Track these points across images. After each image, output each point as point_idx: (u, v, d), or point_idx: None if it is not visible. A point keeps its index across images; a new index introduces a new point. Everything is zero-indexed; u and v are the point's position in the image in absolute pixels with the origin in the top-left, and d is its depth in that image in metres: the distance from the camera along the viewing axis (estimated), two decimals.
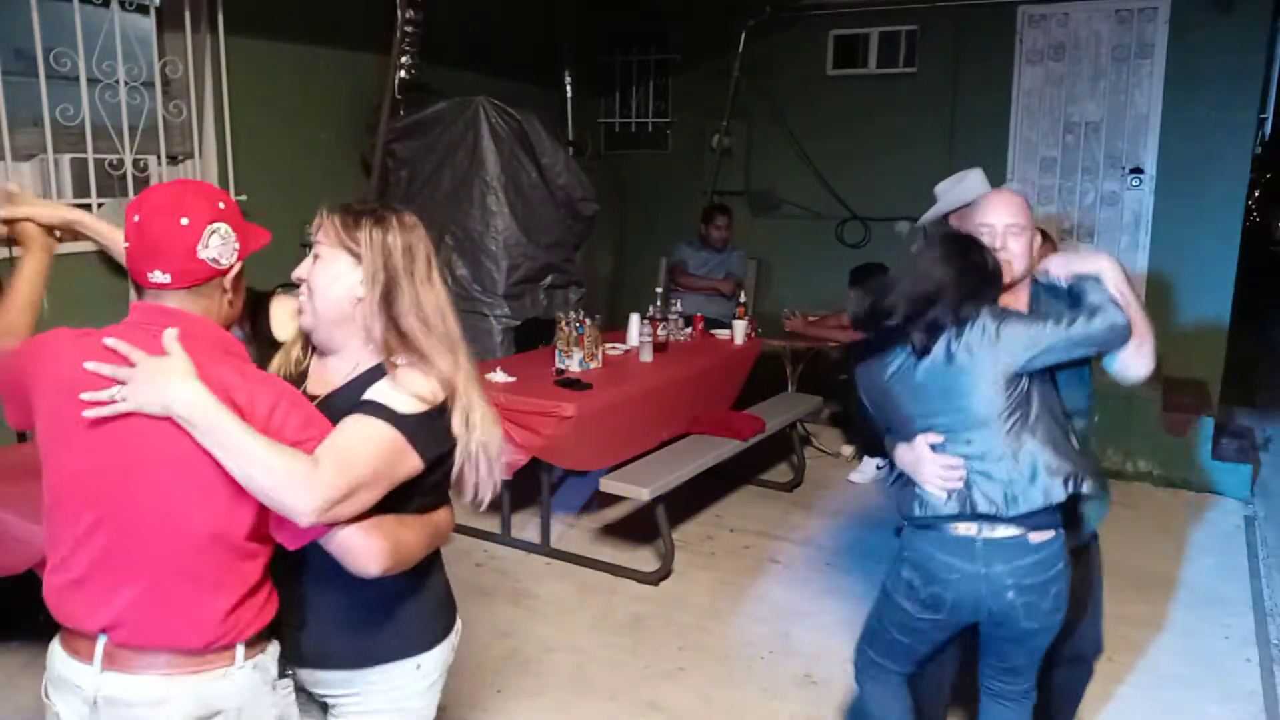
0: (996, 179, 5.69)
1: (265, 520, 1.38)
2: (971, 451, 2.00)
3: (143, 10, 3.77)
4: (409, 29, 4.39)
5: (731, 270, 5.77)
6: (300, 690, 1.59)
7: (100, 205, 3.59)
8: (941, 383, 2.01)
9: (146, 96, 3.79)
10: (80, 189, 3.56)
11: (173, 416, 1.31)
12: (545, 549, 4.04)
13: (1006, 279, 2.09)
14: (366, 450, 1.37)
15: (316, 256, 1.54)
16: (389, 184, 4.68)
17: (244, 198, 4.17)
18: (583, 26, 6.32)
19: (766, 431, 4.52)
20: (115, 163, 3.67)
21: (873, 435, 5.25)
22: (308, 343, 1.64)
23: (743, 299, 5.27)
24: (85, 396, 1.33)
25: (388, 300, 1.49)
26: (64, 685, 1.43)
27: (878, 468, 5.12)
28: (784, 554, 4.16)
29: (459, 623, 1.72)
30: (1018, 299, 2.18)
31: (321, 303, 1.53)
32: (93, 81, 3.60)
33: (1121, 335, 1.98)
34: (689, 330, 5.11)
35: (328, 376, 1.57)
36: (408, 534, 1.46)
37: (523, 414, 3.64)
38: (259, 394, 1.37)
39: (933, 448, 2.04)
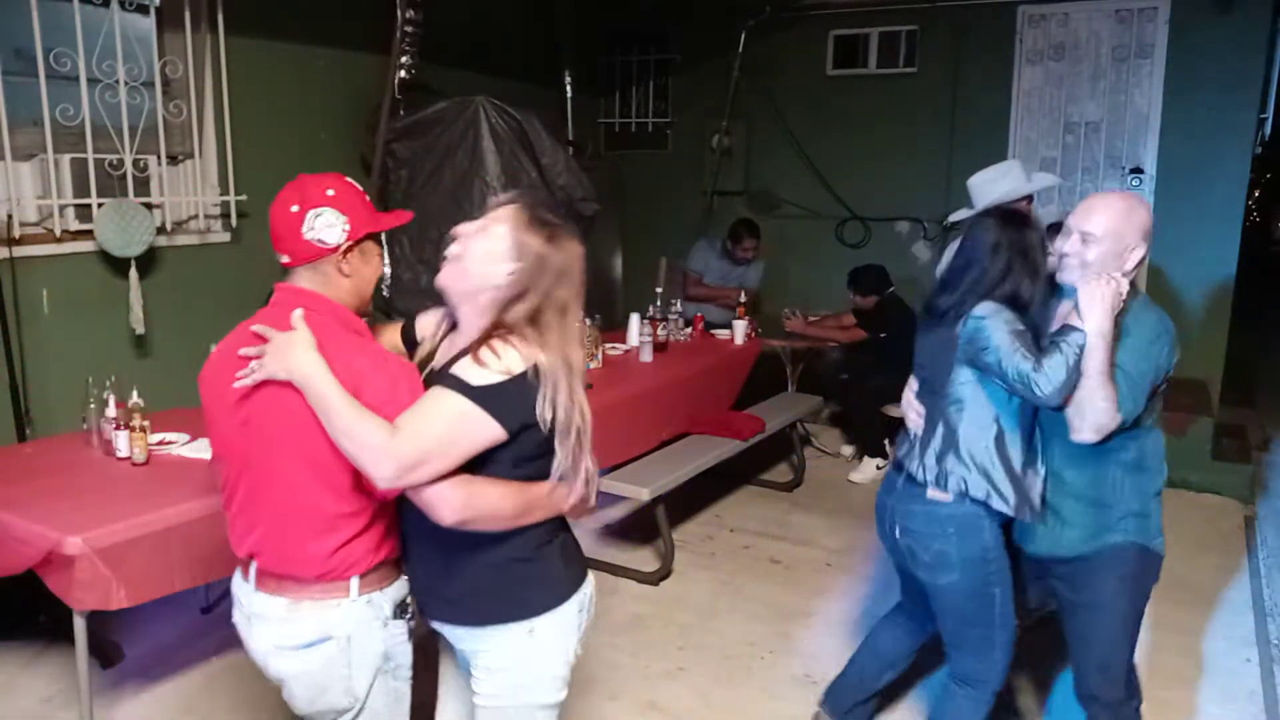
0: None
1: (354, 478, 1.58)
2: (930, 411, 2.25)
3: (143, 10, 3.76)
4: (409, 29, 4.38)
5: (747, 282, 5.74)
6: (444, 641, 1.78)
7: (100, 205, 3.59)
8: (933, 337, 2.23)
9: (146, 96, 3.79)
10: (80, 189, 3.56)
11: (292, 382, 1.52)
12: None
13: (1072, 280, 2.13)
14: (438, 421, 1.51)
15: (487, 225, 1.64)
16: (389, 184, 4.68)
17: (244, 197, 4.17)
18: (583, 26, 6.32)
19: (766, 431, 4.53)
20: (115, 163, 3.66)
21: (873, 435, 5.29)
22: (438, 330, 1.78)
23: (743, 299, 5.27)
24: (245, 351, 1.59)
25: (511, 304, 1.59)
26: (235, 600, 1.74)
27: (878, 468, 5.12)
28: (784, 554, 4.16)
29: (584, 593, 1.76)
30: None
31: (471, 262, 1.61)
32: (93, 81, 3.60)
33: (1039, 399, 1.98)
34: (689, 330, 5.11)
35: (451, 351, 1.67)
36: (492, 495, 1.56)
37: None
38: (362, 365, 1.56)
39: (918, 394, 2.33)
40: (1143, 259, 2.10)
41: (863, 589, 3.81)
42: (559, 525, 1.72)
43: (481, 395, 1.51)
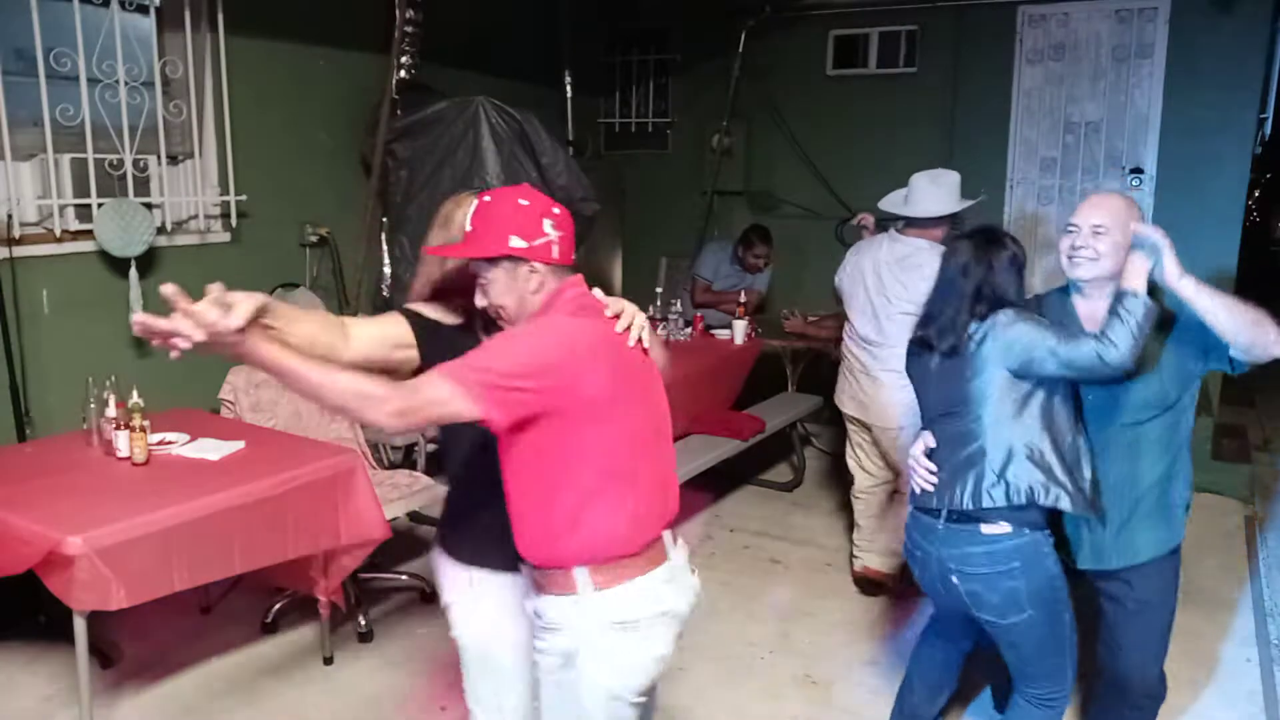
0: (997, 179, 5.73)
1: None
2: (958, 442, 2.13)
3: (143, 10, 3.76)
4: (409, 29, 4.38)
5: (754, 286, 5.72)
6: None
7: (100, 205, 3.59)
8: (950, 370, 2.13)
9: (146, 96, 3.79)
10: (80, 189, 3.56)
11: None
12: None
13: (1088, 275, 2.16)
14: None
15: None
16: (389, 184, 4.68)
17: (244, 197, 4.17)
18: (583, 26, 6.32)
19: (766, 431, 4.53)
20: (115, 163, 3.66)
21: None
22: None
23: (743, 299, 5.26)
24: (621, 325, 1.71)
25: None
26: (681, 572, 1.86)
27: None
28: (784, 554, 4.16)
29: None
30: (1108, 301, 2.16)
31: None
32: (93, 81, 3.60)
33: (1105, 371, 1.96)
34: (689, 330, 5.11)
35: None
36: None
37: None
38: None
39: (928, 450, 2.20)
40: None
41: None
42: None
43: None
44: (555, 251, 1.67)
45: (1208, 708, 3.00)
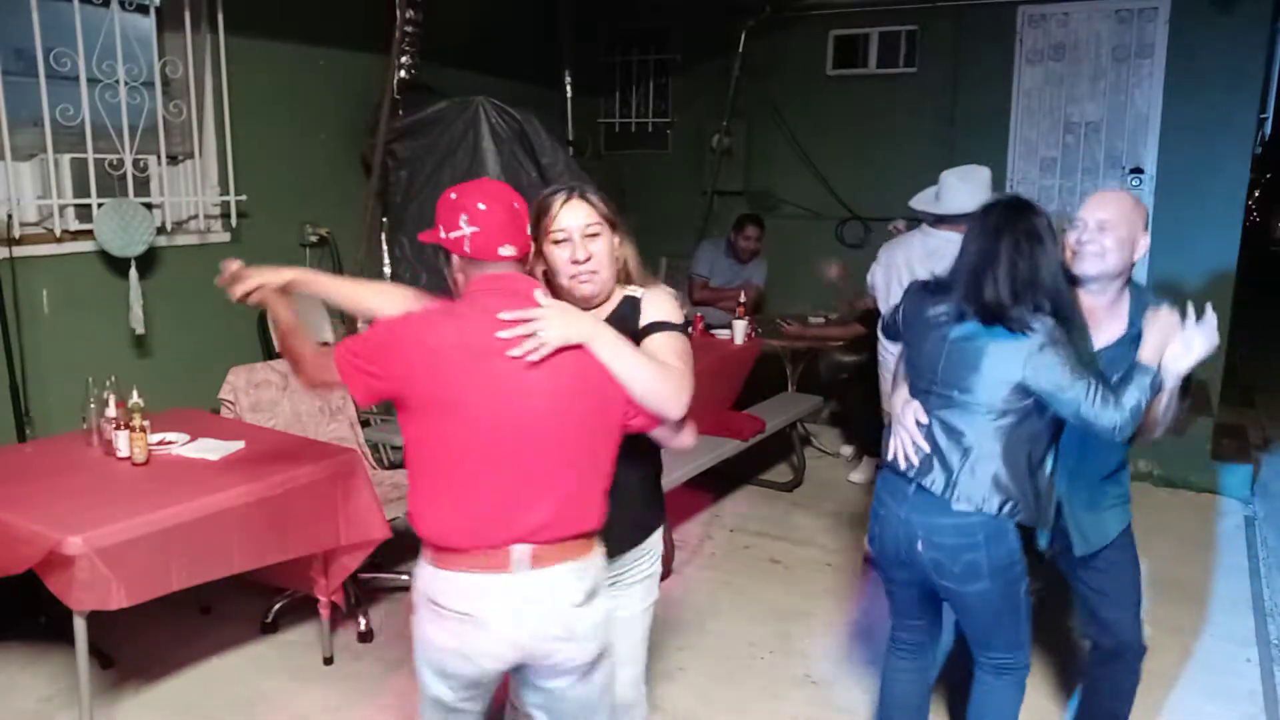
0: (996, 179, 5.70)
1: (629, 419, 1.76)
2: (949, 426, 2.13)
3: (143, 10, 3.76)
4: (409, 29, 4.38)
5: (751, 280, 5.74)
6: None
7: (100, 205, 3.59)
8: (970, 349, 2.09)
9: (146, 96, 3.79)
10: (80, 189, 3.56)
11: (583, 342, 1.68)
12: None
13: (1093, 270, 2.17)
14: (687, 356, 1.83)
15: (593, 235, 1.86)
16: (389, 184, 4.68)
17: (244, 197, 4.17)
18: (583, 26, 6.32)
19: (766, 431, 4.53)
20: (115, 163, 3.66)
21: (873, 435, 5.27)
22: None
23: (742, 299, 5.27)
24: (507, 333, 1.64)
25: (635, 259, 1.95)
26: (484, 601, 1.75)
27: (877, 468, 5.12)
28: (784, 554, 4.16)
29: None
30: (1110, 297, 2.23)
31: (607, 273, 1.88)
32: (93, 81, 3.60)
33: (1110, 439, 2.02)
34: (689, 330, 5.10)
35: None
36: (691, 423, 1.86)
37: None
38: None
39: (919, 424, 2.19)
40: (1146, 249, 2.24)
41: (863, 589, 3.81)
42: None
43: (685, 330, 1.90)
44: (466, 246, 1.71)
45: (1208, 708, 3.00)
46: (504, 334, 1.64)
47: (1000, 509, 2.08)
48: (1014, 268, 2.04)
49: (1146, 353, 2.04)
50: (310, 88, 4.49)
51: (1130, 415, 1.97)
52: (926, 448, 2.15)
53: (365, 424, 4.03)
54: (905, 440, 2.19)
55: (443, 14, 4.64)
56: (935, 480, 2.13)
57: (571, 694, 1.81)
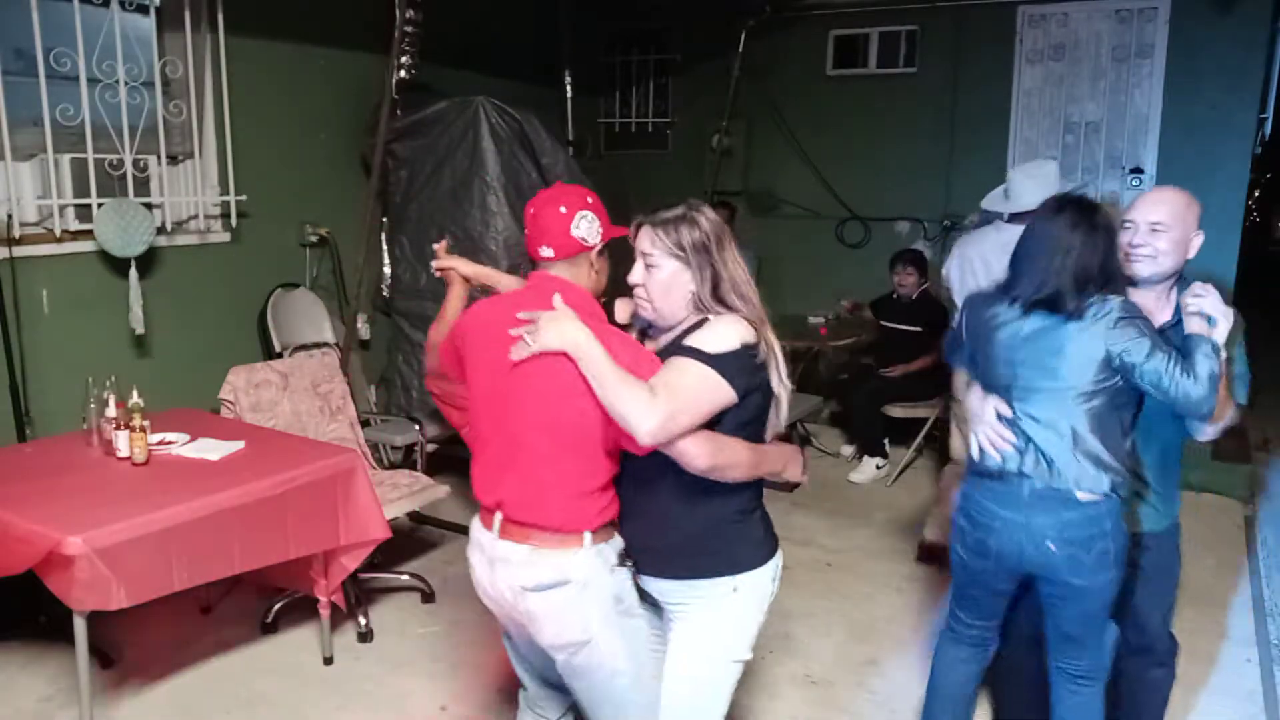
0: (996, 179, 5.70)
1: (615, 437, 1.77)
2: (1039, 417, 2.11)
3: (143, 10, 3.76)
4: (408, 29, 4.38)
5: None
6: (645, 595, 1.97)
7: (100, 205, 3.59)
8: (1050, 337, 2.09)
9: (146, 96, 3.79)
10: (80, 189, 3.56)
11: (568, 352, 1.72)
12: None
13: (1146, 272, 2.18)
14: (687, 383, 1.72)
15: (650, 266, 1.87)
16: (389, 184, 4.68)
17: (244, 197, 4.17)
18: (583, 26, 6.32)
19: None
20: (115, 163, 3.66)
21: (873, 435, 5.28)
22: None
23: None
24: (514, 331, 1.78)
25: (716, 288, 1.85)
26: (475, 543, 1.96)
27: (877, 468, 5.12)
28: (784, 554, 4.15)
29: (777, 562, 2.01)
30: (1162, 297, 2.23)
31: (664, 304, 1.88)
32: (93, 81, 3.60)
33: (1198, 413, 2.04)
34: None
35: (660, 339, 1.93)
36: (734, 445, 1.80)
37: None
38: (610, 341, 1.76)
39: (1001, 416, 2.16)
40: (1199, 246, 2.23)
41: (863, 589, 3.81)
42: (759, 496, 1.97)
43: (717, 362, 1.75)
44: (526, 246, 1.96)
45: (1208, 708, 3.00)
46: (513, 330, 1.79)
47: (1111, 487, 2.08)
48: (1088, 259, 2.05)
49: (1194, 325, 2.07)
50: (310, 88, 4.50)
51: (1209, 385, 1.98)
52: (1012, 436, 2.13)
53: (365, 424, 4.03)
54: (989, 433, 2.16)
55: (443, 14, 4.63)
56: (1038, 469, 2.11)
57: (576, 685, 1.97)
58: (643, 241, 1.88)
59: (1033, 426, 2.12)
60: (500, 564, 1.89)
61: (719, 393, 1.75)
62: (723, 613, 1.94)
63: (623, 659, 1.92)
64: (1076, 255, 2.05)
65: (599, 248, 1.94)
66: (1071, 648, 2.25)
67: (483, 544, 1.94)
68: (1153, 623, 2.44)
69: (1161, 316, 2.24)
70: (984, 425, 2.18)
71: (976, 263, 3.67)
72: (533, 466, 1.84)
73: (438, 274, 2.38)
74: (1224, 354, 2.07)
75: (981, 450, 2.19)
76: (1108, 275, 2.07)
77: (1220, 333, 2.07)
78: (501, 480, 1.88)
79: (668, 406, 1.67)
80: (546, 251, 1.88)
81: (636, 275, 1.89)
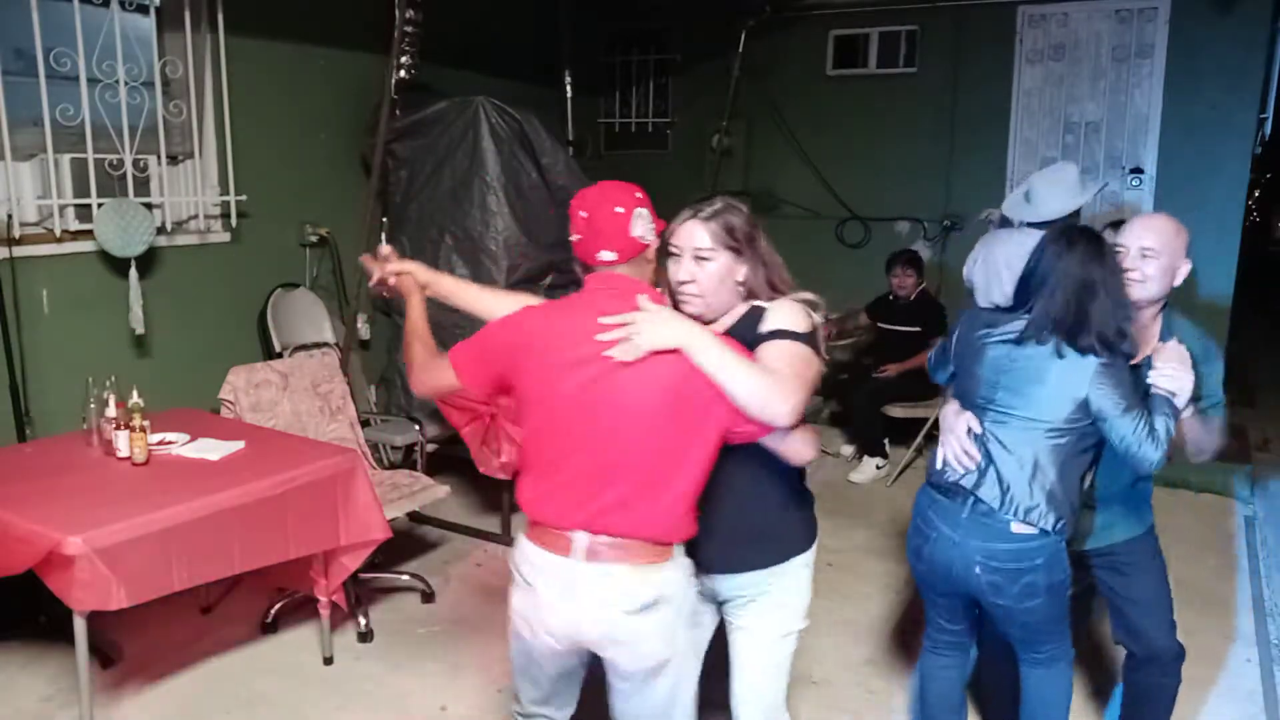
0: (997, 179, 5.73)
1: (730, 431, 1.74)
2: (1005, 442, 2.13)
3: (143, 10, 3.76)
4: (408, 29, 4.38)
5: None
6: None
7: (100, 205, 3.59)
8: (1033, 366, 2.11)
9: (146, 96, 3.79)
10: (80, 189, 3.56)
11: (680, 347, 1.67)
12: None
13: (1134, 296, 2.19)
14: (800, 363, 1.75)
15: (702, 260, 1.86)
16: (389, 184, 4.68)
17: (244, 197, 4.17)
18: (583, 26, 6.32)
19: None
20: (115, 163, 3.66)
21: (873, 435, 5.29)
22: None
23: None
24: (602, 337, 1.69)
25: (769, 276, 1.89)
26: (538, 576, 1.82)
27: (877, 468, 5.12)
28: None
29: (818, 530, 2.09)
30: (1149, 324, 2.26)
31: (716, 297, 1.87)
32: (93, 81, 3.60)
33: (1144, 471, 2.07)
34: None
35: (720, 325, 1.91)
36: (809, 434, 1.81)
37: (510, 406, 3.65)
38: None
39: (972, 433, 2.19)
40: (1186, 274, 2.28)
41: (863, 589, 3.81)
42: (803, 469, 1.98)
43: (809, 340, 1.80)
44: (576, 251, 1.84)
45: (1208, 708, 3.00)
46: (602, 336, 1.70)
47: (1055, 525, 2.10)
48: (1106, 299, 2.07)
49: (1160, 381, 2.10)
50: (310, 88, 4.50)
51: (1165, 445, 2.02)
52: (978, 454, 2.16)
53: (365, 424, 4.03)
54: (955, 446, 2.19)
55: (443, 14, 4.63)
56: (990, 491, 2.13)
57: (632, 700, 1.88)
58: (694, 236, 1.86)
59: (998, 450, 2.14)
60: (586, 590, 1.77)
61: (815, 367, 1.79)
62: (795, 591, 2.01)
63: (688, 671, 1.92)
64: (1103, 296, 2.07)
65: (655, 244, 1.88)
66: (1022, 643, 2.31)
67: (556, 572, 1.79)
68: (1152, 635, 2.45)
69: (1143, 349, 2.25)
70: (952, 438, 2.21)
71: (1003, 268, 3.61)
72: (637, 479, 1.74)
73: (391, 281, 2.16)
74: (1188, 409, 2.13)
75: (945, 461, 2.22)
76: (1127, 315, 2.10)
77: (1181, 400, 2.10)
78: (594, 498, 1.74)
79: (798, 385, 1.68)
80: (608, 255, 1.79)
81: (685, 272, 1.86)
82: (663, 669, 1.83)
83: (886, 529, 4.44)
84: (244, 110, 4.16)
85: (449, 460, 4.43)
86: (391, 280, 2.16)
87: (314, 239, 4.55)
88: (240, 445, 2.96)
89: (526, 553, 1.84)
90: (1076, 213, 3.51)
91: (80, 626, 2.44)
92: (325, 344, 4.44)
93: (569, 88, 6.20)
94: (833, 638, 3.39)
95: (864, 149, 6.05)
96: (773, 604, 1.99)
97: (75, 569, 2.30)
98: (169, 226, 3.91)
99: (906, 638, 3.40)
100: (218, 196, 4.10)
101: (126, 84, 3.70)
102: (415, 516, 4.18)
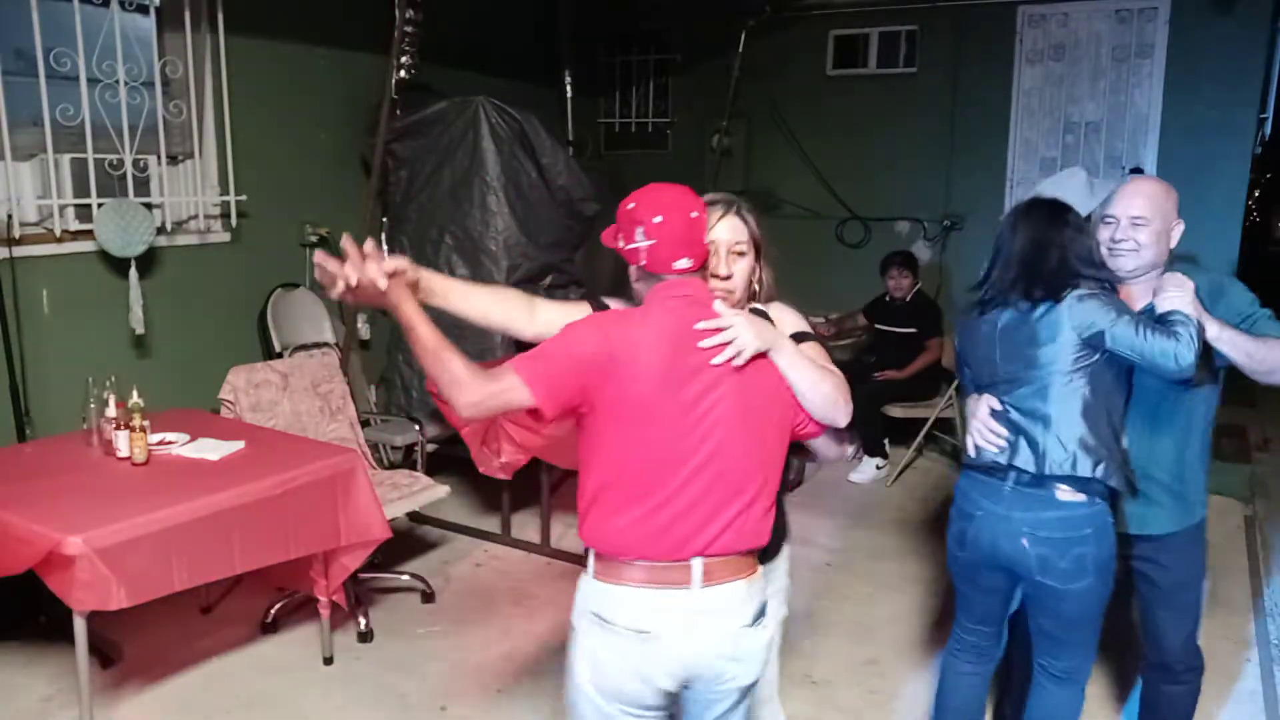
0: (996, 179, 5.73)
1: (795, 430, 1.75)
2: (1024, 408, 2.13)
3: (143, 10, 3.76)
4: (408, 29, 4.38)
5: None
6: None
7: (100, 205, 3.59)
8: (1023, 325, 2.12)
9: (146, 96, 3.79)
10: (80, 189, 3.56)
11: (768, 349, 1.66)
12: (545, 549, 4.03)
13: (1130, 266, 2.19)
14: (830, 363, 1.79)
15: (741, 254, 1.85)
16: (389, 184, 4.68)
17: (244, 197, 4.17)
18: (583, 26, 6.32)
19: None
20: (115, 163, 3.66)
21: (872, 435, 5.28)
22: None
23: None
24: (706, 343, 1.62)
25: (772, 278, 1.92)
26: (656, 617, 1.66)
27: (877, 467, 5.12)
28: (784, 554, 4.15)
29: None
30: (1149, 291, 2.21)
31: (741, 297, 1.85)
32: (93, 81, 3.60)
33: (1172, 371, 1.98)
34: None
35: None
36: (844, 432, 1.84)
37: (522, 414, 3.64)
38: None
39: (993, 411, 2.18)
40: (1180, 234, 2.25)
41: (862, 589, 3.81)
42: None
43: (821, 340, 1.88)
44: (643, 259, 1.69)
45: (1208, 708, 3.00)
46: (705, 343, 1.62)
47: (1094, 469, 2.06)
48: (1069, 249, 2.11)
49: (1162, 304, 2.07)
50: (310, 88, 4.49)
51: (1189, 341, 1.96)
52: (1004, 430, 2.15)
53: (365, 424, 4.03)
54: (980, 429, 2.19)
55: (443, 14, 4.64)
56: (1025, 458, 2.12)
57: (728, 711, 1.76)
58: (732, 229, 1.83)
59: (1020, 417, 2.14)
60: (707, 618, 1.66)
61: None
62: (782, 576, 2.06)
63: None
64: (1062, 247, 2.10)
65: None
66: (1051, 645, 2.27)
67: (678, 607, 1.65)
68: (1169, 642, 2.38)
69: (1142, 301, 2.24)
70: (976, 421, 2.21)
71: None
72: (751, 488, 1.67)
73: (383, 282, 1.66)
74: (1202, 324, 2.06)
75: (977, 447, 2.21)
76: (1095, 261, 2.13)
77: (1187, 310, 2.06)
78: (713, 519, 1.64)
79: (848, 389, 1.73)
80: (684, 263, 1.68)
81: (724, 268, 1.81)
82: (757, 682, 1.77)
83: (886, 529, 4.44)
84: (244, 110, 4.16)
85: (449, 460, 4.43)
86: (370, 281, 1.66)
87: (314, 239, 4.55)
88: (240, 445, 2.96)
89: (630, 599, 1.66)
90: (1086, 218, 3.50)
91: (80, 626, 2.44)
92: (325, 344, 4.44)
93: (569, 88, 6.20)
94: (833, 638, 3.39)
95: (864, 149, 6.04)
96: (781, 587, 2.05)
97: (75, 569, 2.30)
98: (169, 226, 3.91)
99: (908, 638, 3.40)
100: (218, 196, 4.10)
101: (126, 84, 3.70)
102: (415, 516, 4.18)
